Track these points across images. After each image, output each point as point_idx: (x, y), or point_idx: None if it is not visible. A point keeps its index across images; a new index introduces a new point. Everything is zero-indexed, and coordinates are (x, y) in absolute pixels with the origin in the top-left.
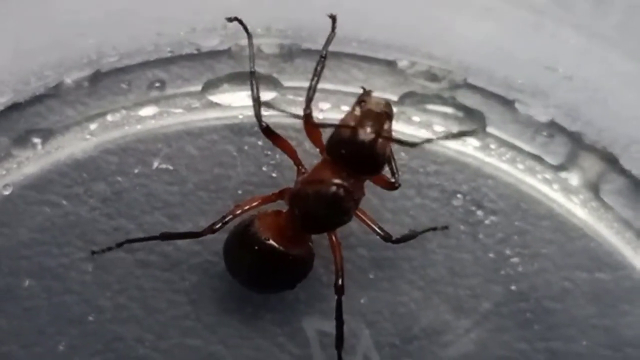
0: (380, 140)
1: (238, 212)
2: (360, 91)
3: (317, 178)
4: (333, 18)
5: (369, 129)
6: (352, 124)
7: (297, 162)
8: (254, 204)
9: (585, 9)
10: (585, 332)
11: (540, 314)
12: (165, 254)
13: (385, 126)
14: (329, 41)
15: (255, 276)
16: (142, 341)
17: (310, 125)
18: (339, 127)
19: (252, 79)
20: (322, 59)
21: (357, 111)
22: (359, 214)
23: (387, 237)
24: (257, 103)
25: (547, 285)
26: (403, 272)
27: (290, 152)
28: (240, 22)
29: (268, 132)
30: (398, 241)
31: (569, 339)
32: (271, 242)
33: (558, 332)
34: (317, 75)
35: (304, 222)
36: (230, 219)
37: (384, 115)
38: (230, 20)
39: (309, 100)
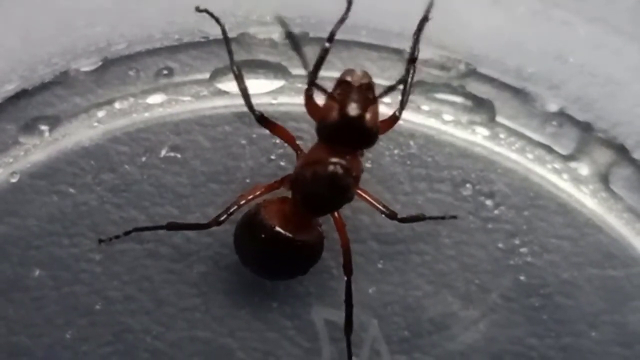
0: (368, 113)
1: (242, 202)
2: None
3: (314, 159)
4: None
5: (355, 105)
6: (336, 105)
7: (296, 148)
8: (258, 193)
9: None
10: (595, 328)
11: (551, 308)
12: (176, 245)
13: (370, 96)
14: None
15: (265, 264)
16: (151, 332)
17: (311, 104)
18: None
19: (234, 72)
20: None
21: (338, 90)
22: (364, 194)
23: (392, 215)
24: (246, 94)
25: (556, 278)
26: (414, 265)
27: (288, 139)
28: (210, 14)
29: (263, 120)
30: (404, 220)
31: (579, 334)
32: (278, 229)
33: (568, 327)
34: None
35: (307, 204)
36: (235, 210)
37: (366, 86)
38: (199, 10)
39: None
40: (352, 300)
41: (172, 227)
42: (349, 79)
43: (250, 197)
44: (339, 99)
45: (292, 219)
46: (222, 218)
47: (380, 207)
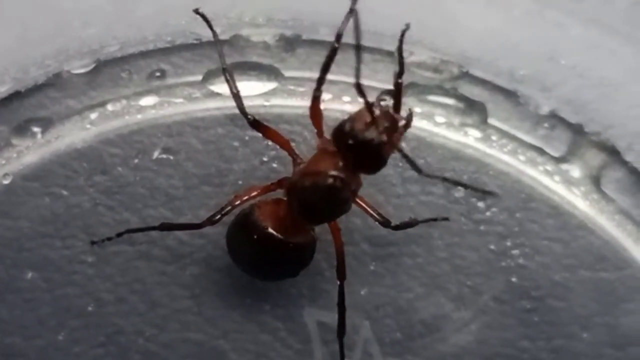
0: (389, 149)
1: (237, 202)
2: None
3: (314, 169)
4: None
5: (383, 131)
6: (368, 120)
7: (291, 153)
8: (253, 194)
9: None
10: (587, 330)
11: (543, 310)
12: (168, 247)
13: (399, 133)
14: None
15: (256, 264)
16: (144, 334)
17: (316, 107)
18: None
19: (225, 75)
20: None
21: (378, 109)
22: (358, 201)
23: (386, 223)
24: (238, 98)
25: (548, 280)
26: (406, 267)
27: (282, 143)
28: (204, 17)
29: (256, 124)
30: (397, 227)
31: (571, 336)
32: (270, 230)
33: (560, 329)
34: (329, 58)
35: (303, 213)
36: (229, 210)
37: (402, 122)
38: (196, 12)
39: (320, 81)
40: (344, 304)
41: (165, 227)
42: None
43: (245, 197)
44: (377, 119)
45: (286, 221)
46: (216, 218)
47: (375, 214)
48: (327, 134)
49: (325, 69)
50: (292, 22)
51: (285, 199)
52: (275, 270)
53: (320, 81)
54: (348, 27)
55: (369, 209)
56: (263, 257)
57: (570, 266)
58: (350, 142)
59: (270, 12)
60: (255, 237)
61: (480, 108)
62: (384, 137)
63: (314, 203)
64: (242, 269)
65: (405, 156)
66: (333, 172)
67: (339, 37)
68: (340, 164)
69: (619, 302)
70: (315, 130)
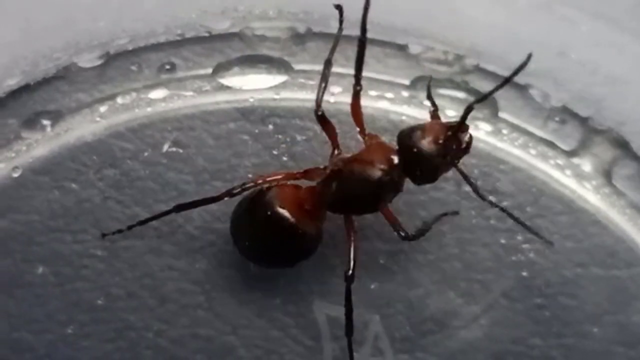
0: (445, 166)
1: (260, 181)
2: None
3: (367, 159)
4: (340, 9)
5: (447, 153)
6: (440, 137)
7: (336, 145)
8: (277, 177)
9: None
10: (599, 328)
11: (554, 307)
12: (178, 242)
13: (458, 157)
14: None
15: (257, 245)
16: (153, 329)
17: (356, 104)
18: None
19: (326, 69)
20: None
21: (446, 129)
22: (386, 209)
23: (405, 237)
24: (322, 91)
25: (559, 276)
26: (417, 264)
27: (334, 138)
28: (340, 11)
29: (323, 119)
30: (414, 237)
31: (583, 334)
32: (284, 211)
33: (571, 327)
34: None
35: (335, 199)
36: (251, 187)
37: (464, 148)
38: (336, 7)
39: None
40: (352, 303)
41: (180, 208)
42: (462, 131)
43: (269, 178)
44: (447, 139)
45: (301, 206)
46: (236, 191)
47: (396, 225)
48: (339, 130)
49: (359, 64)
50: (302, 15)
51: (304, 187)
52: (275, 255)
53: (358, 76)
54: (356, 19)
55: (392, 222)
56: (267, 238)
57: (581, 263)
58: (415, 150)
59: (280, 5)
60: (267, 213)
61: (491, 102)
62: (447, 159)
63: (353, 191)
64: (240, 247)
65: (464, 176)
66: (384, 167)
67: (364, 30)
68: (395, 163)
69: (631, 299)
70: (357, 128)
